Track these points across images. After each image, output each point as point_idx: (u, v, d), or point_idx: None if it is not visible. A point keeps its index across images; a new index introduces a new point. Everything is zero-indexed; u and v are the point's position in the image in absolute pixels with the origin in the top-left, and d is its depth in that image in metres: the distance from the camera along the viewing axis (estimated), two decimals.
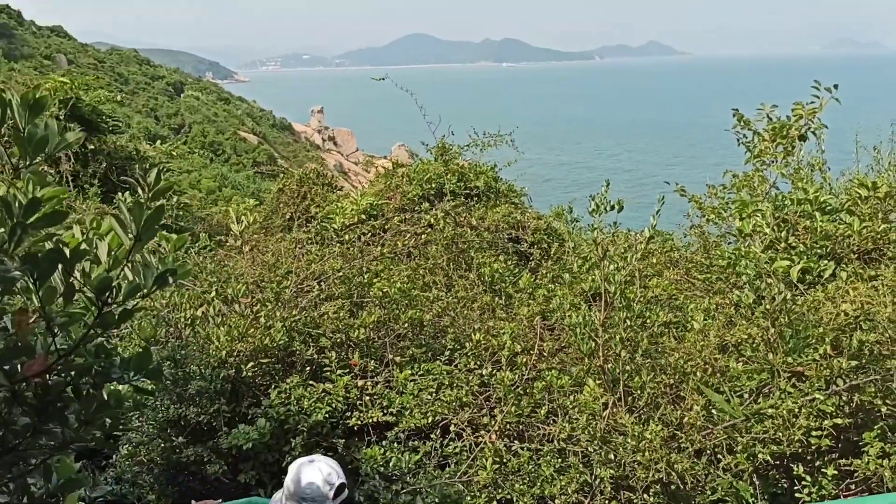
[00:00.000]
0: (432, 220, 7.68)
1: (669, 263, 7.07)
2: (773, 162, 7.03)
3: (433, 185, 10.84)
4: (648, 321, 5.38)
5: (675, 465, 4.11)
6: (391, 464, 5.08)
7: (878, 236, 5.94)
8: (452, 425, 5.00)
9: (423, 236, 7.22)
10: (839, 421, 3.96)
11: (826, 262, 5.57)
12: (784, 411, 3.99)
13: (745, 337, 4.47)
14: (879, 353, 4.09)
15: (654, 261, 7.01)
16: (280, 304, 5.62)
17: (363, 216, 10.09)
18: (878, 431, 4.00)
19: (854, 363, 4.00)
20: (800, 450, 4.06)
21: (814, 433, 3.96)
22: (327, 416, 5.26)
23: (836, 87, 6.75)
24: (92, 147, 11.00)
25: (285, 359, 5.60)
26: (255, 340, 5.35)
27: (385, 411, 5.33)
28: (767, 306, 4.22)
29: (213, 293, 5.68)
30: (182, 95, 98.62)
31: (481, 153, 11.65)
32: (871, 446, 3.94)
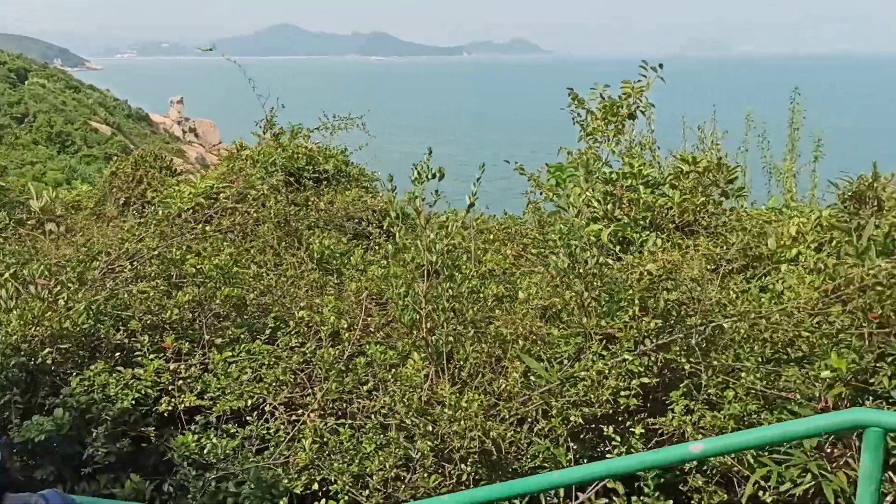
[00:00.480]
0: (258, 195, 7.34)
1: (508, 240, 7.09)
2: (605, 140, 7.17)
3: (278, 168, 10.49)
4: (481, 294, 5.34)
5: (491, 433, 4.04)
6: (206, 450, 4.78)
7: (697, 208, 6.15)
8: (269, 406, 4.74)
9: (253, 213, 6.89)
10: (646, 380, 4.00)
11: (648, 232, 5.69)
12: (594, 373, 4.00)
13: (562, 302, 4.47)
14: (686, 313, 4.17)
15: (492, 237, 7.01)
16: (84, 285, 5.16)
17: (202, 199, 9.61)
18: (684, 389, 4.08)
19: (659, 322, 4.06)
20: (611, 411, 4.08)
21: (622, 393, 3.99)
22: (134, 402, 4.88)
23: (661, 66, 6.94)
24: None
25: (90, 344, 5.16)
26: (52, 324, 4.88)
27: (202, 396, 5.01)
28: (581, 270, 4.22)
29: (7, 275, 5.15)
30: (26, 83, 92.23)
31: (331, 136, 11.42)
32: (677, 404, 4.02)
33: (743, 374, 3.97)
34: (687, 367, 4.04)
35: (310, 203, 8.67)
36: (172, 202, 9.63)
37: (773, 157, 8.69)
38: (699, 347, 4.03)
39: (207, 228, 6.23)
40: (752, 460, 3.89)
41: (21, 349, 4.89)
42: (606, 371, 4.02)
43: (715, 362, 4.07)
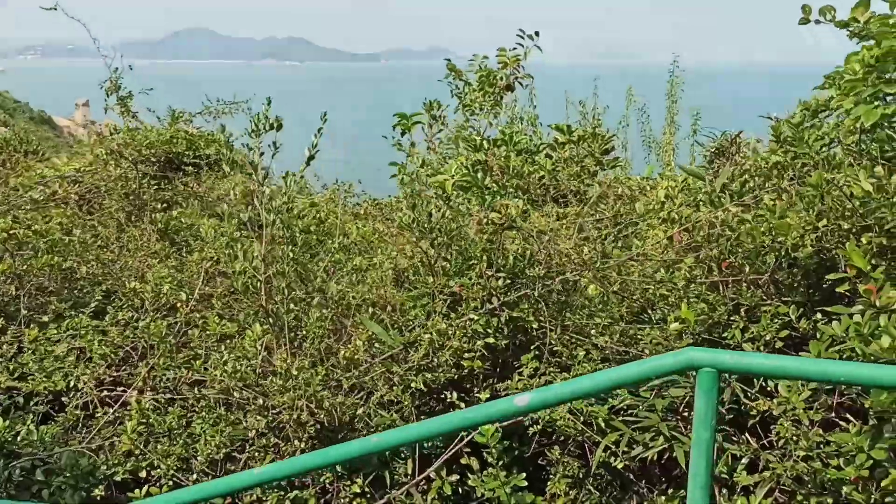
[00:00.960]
0: (95, 160, 6.76)
1: (382, 216, 6.76)
2: (482, 111, 6.89)
3: (153, 151, 9.91)
4: (344, 266, 5.01)
5: (324, 403, 3.65)
6: (20, 436, 4.24)
7: (571, 178, 5.94)
8: (86, 385, 4.23)
9: (95, 181, 6.33)
10: (491, 340, 3.69)
11: (517, 200, 5.42)
12: (434, 333, 3.66)
13: (409, 263, 4.13)
14: (533, 267, 3.87)
15: (363, 212, 6.67)
16: None
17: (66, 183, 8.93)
18: (536, 352, 3.79)
19: (507, 279, 3.75)
20: (456, 377, 3.76)
21: (466, 355, 3.66)
22: None
23: (537, 33, 6.72)
24: None
25: None
26: None
27: (24, 378, 4.45)
28: (425, 225, 3.87)
29: None
30: None
31: (215, 121, 10.93)
32: (526, 367, 3.72)
33: (593, 333, 3.71)
34: (535, 325, 3.74)
35: (188, 187, 8.16)
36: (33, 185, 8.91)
37: (652, 131, 8.65)
38: (549, 304, 3.74)
39: (37, 197, 5.66)
40: (603, 425, 3.63)
41: None
42: (450, 332, 3.69)
43: (567, 322, 3.80)
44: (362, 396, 4.12)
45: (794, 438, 3.33)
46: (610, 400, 3.68)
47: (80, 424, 4.36)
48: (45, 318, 4.77)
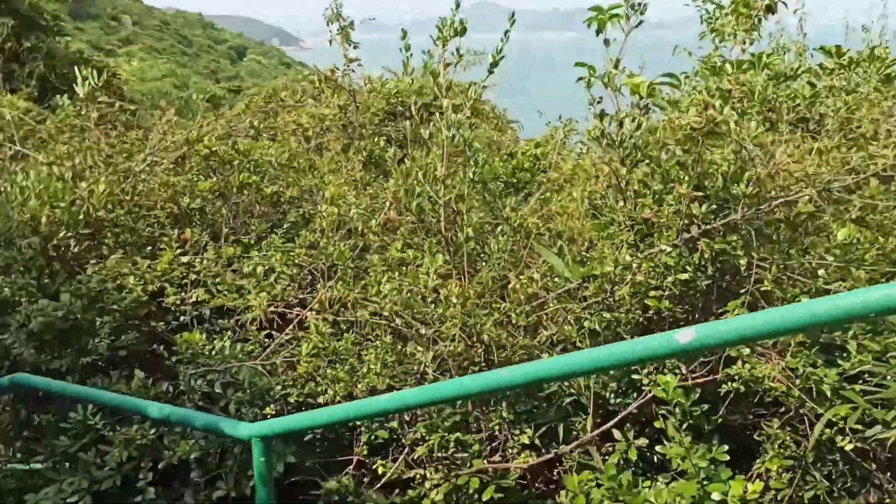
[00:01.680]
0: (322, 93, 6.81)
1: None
2: (733, 37, 5.91)
3: (398, 99, 10.13)
4: (551, 203, 4.53)
5: (483, 335, 3.20)
6: (214, 351, 4.34)
7: (839, 108, 4.85)
8: (267, 303, 4.17)
9: (310, 111, 6.39)
10: (686, 276, 2.97)
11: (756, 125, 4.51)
12: (613, 265, 3.02)
13: (599, 186, 3.51)
14: (744, 186, 3.04)
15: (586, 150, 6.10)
16: (108, 169, 4.85)
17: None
18: (745, 298, 3.00)
19: (709, 201, 2.99)
20: (642, 319, 3.10)
21: (652, 293, 2.99)
22: (147, 295, 4.51)
23: None
24: (28, 45, 10.38)
25: (111, 231, 4.86)
26: (66, 208, 4.60)
27: (217, 292, 4.55)
28: (615, 136, 3.23)
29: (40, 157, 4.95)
30: (244, 59, 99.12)
31: (464, 71, 10.89)
32: (731, 313, 2.96)
33: (823, 275, 2.84)
34: (742, 262, 2.95)
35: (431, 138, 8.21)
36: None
37: None
38: (766, 237, 2.94)
39: (257, 124, 5.80)
40: (828, 393, 2.79)
41: (39, 231, 4.66)
42: (634, 266, 3.04)
43: (791, 261, 2.96)
44: (541, 337, 3.62)
45: None
46: (841, 363, 2.81)
47: (264, 343, 4.35)
48: (249, 239, 4.85)
